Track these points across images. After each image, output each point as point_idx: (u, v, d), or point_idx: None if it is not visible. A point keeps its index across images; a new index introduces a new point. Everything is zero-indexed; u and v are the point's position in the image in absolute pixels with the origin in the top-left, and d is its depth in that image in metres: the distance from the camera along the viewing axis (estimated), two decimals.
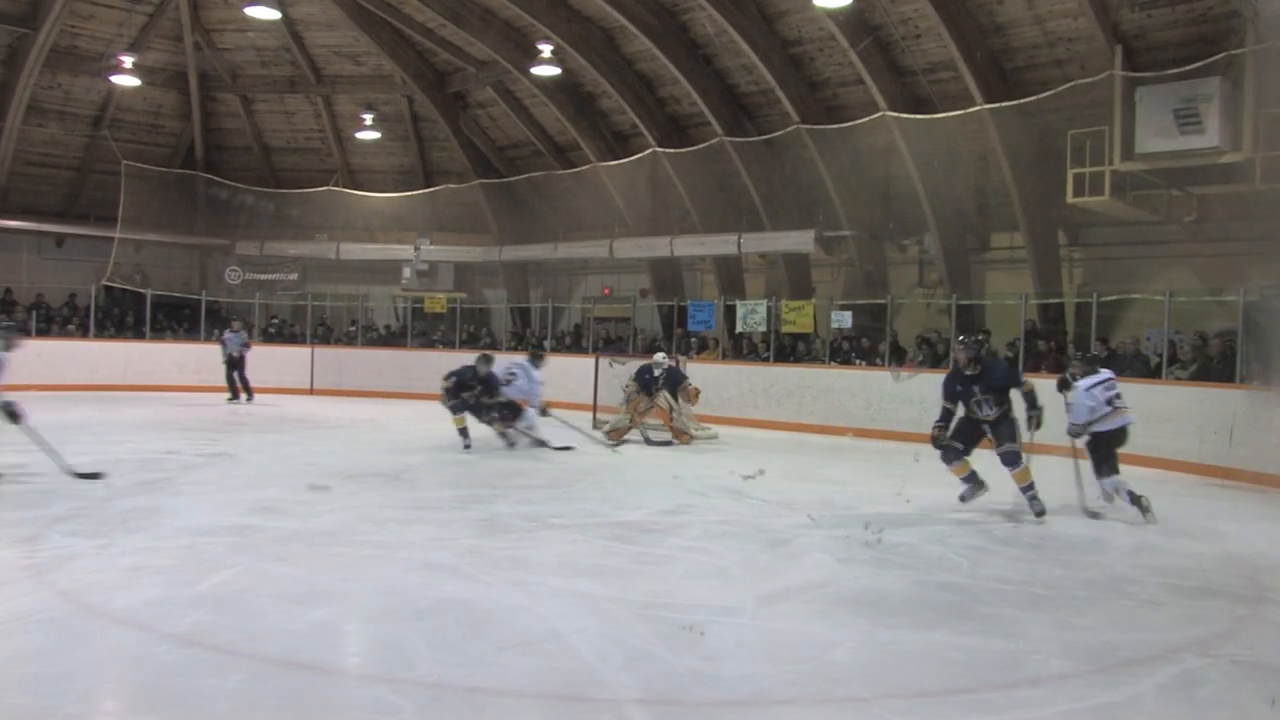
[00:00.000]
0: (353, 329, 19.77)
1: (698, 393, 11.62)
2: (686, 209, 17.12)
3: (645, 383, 11.28)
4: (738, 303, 15.70)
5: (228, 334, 15.81)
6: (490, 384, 10.50)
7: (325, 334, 19.58)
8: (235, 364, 15.50)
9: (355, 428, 9.50)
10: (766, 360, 14.84)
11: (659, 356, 11.62)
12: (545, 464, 9.45)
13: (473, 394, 10.38)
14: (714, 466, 9.46)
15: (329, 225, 20.49)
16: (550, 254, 19.14)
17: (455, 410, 10.45)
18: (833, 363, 14.20)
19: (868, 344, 14.25)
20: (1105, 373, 7.34)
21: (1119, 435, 7.13)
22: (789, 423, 13.60)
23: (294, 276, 21.00)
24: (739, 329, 15.60)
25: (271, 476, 8.10)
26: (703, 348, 16.33)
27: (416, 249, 20.09)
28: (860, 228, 15.00)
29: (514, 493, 7.67)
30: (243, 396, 15.50)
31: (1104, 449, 7.10)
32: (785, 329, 14.90)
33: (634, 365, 11.72)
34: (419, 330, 19.62)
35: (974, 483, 7.26)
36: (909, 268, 15.43)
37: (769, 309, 14.95)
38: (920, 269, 15.27)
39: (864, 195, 14.98)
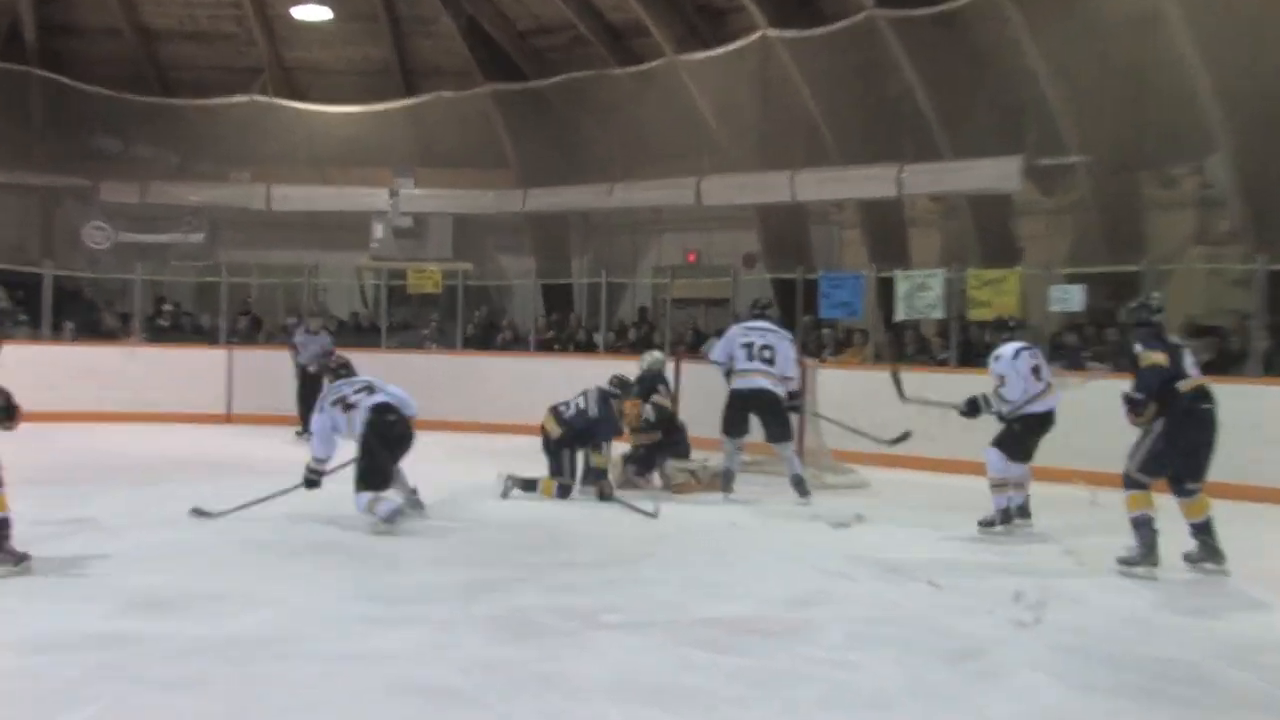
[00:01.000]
0: (294, 321, 19.98)
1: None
2: (816, 126, 17.12)
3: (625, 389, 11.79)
4: (898, 274, 15.67)
5: (299, 335, 15.99)
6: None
7: (250, 329, 19.80)
8: (311, 380, 15.15)
9: (297, 474, 9.68)
10: (945, 363, 14.77)
11: (655, 355, 12.18)
12: (597, 528, 9.55)
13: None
14: (859, 531, 9.49)
15: (252, 157, 20.81)
16: (603, 200, 19.34)
17: (561, 471, 10.97)
18: (1055, 366, 14.00)
19: (1113, 336, 14.04)
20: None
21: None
22: (980, 461, 13.45)
23: (197, 238, 21.21)
24: (900, 315, 15.60)
25: (162, 553, 8.14)
26: (843, 344, 16.30)
27: (393, 194, 20.35)
28: (1098, 150, 14.86)
29: (548, 573, 7.74)
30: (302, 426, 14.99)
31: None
32: (974, 313, 14.80)
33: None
34: (399, 321, 19.83)
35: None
36: (1182, 213, 15.28)
37: (948, 283, 14.90)
38: (1201, 214, 15.08)
39: (1105, 97, 14.79)
